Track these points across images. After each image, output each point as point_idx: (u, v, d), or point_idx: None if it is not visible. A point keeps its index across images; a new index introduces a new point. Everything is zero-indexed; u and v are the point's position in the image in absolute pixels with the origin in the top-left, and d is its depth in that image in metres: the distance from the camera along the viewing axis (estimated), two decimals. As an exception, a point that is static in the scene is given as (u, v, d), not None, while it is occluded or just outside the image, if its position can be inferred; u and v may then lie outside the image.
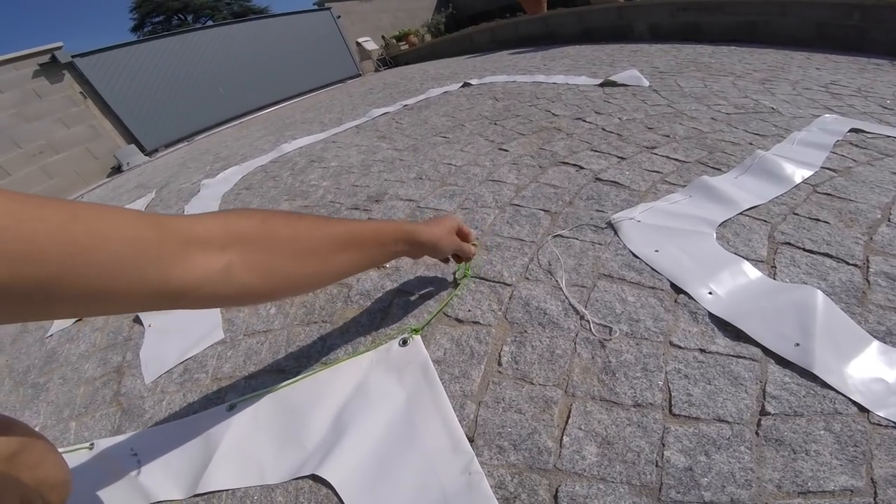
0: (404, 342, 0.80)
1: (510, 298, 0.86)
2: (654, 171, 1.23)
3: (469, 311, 0.85)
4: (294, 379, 0.80)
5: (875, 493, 0.48)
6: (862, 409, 0.56)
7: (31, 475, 0.43)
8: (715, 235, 0.92)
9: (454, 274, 0.95)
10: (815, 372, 0.60)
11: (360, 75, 8.10)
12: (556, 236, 1.02)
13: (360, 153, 2.08)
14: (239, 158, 2.86)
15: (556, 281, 0.87)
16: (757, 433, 0.55)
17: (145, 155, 5.51)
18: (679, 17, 4.15)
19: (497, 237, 1.07)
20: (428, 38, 8.44)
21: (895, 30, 3.00)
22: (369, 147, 2.15)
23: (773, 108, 1.65)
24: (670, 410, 0.60)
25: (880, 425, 0.54)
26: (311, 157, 2.27)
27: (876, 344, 0.64)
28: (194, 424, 0.78)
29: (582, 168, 1.32)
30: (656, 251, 0.89)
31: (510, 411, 0.65)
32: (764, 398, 0.59)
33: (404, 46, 8.02)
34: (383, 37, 8.46)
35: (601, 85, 2.32)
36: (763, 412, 0.58)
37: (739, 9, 3.80)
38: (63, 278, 0.33)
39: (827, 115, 1.50)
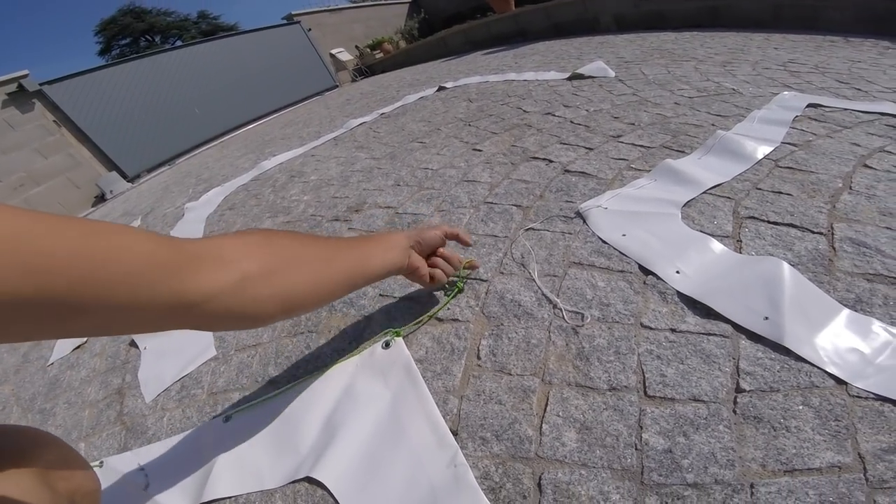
0: (387, 344, 0.82)
1: (486, 293, 0.88)
2: (620, 159, 1.26)
3: (448, 309, 0.87)
4: (285, 388, 0.82)
5: (864, 468, 0.47)
6: (839, 381, 0.56)
7: (65, 485, 0.45)
8: (680, 215, 0.93)
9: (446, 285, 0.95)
10: (787, 345, 0.60)
11: (337, 87, 8.10)
12: (527, 230, 1.04)
13: (339, 165, 2.10)
14: (220, 179, 2.86)
15: (529, 273, 0.89)
16: (734, 411, 0.55)
17: (128, 181, 5.46)
18: (642, 6, 4.21)
19: (473, 235, 1.08)
20: (402, 44, 8.45)
21: (846, 7, 3.10)
22: (347, 158, 2.16)
23: (733, 90, 1.69)
24: (645, 392, 0.61)
25: (860, 397, 0.53)
26: (292, 173, 2.28)
27: (846, 312, 0.63)
28: (195, 437, 0.81)
29: (551, 161, 1.35)
30: (624, 235, 0.91)
31: (491, 403, 0.66)
32: (738, 375, 0.59)
33: (379, 55, 8.03)
34: (357, 46, 8.46)
35: (569, 78, 2.35)
36: (738, 389, 0.58)
37: None
38: (84, 290, 0.34)
39: (786, 93, 1.53)
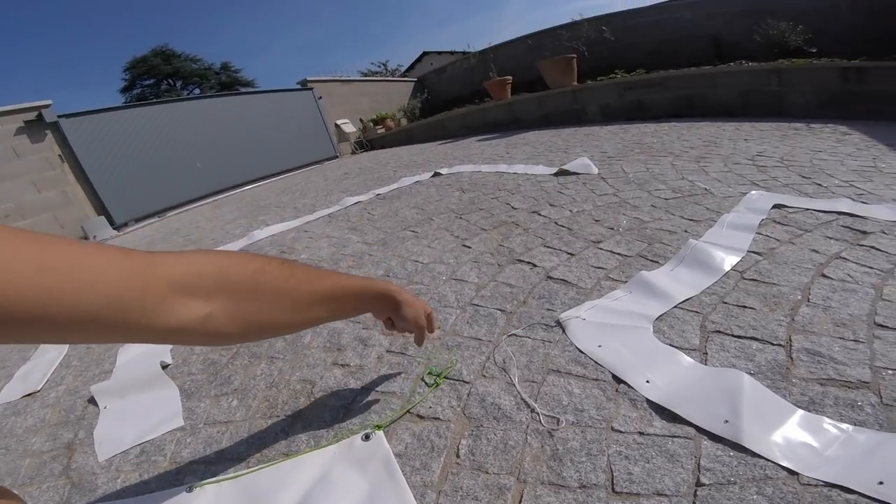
0: (367, 437, 0.83)
1: (468, 395, 0.91)
2: (599, 268, 1.34)
3: (430, 407, 0.90)
4: (257, 468, 0.80)
5: None
6: (791, 472, 0.61)
7: None
8: (652, 329, 1.00)
9: (423, 378, 0.99)
10: (744, 444, 0.66)
11: (336, 157, 8.27)
12: (510, 335, 1.09)
13: (331, 245, 2.13)
14: (209, 242, 2.83)
15: (510, 378, 0.94)
16: (694, 503, 0.60)
17: (113, 229, 5.32)
18: (626, 96, 4.58)
19: (458, 337, 1.13)
20: (404, 122, 8.78)
21: (808, 91, 3.42)
22: (340, 239, 2.19)
23: (706, 189, 1.84)
24: (613, 489, 0.65)
25: (810, 485, 0.59)
26: (282, 247, 2.29)
27: (800, 413, 0.70)
28: (153, 502, 0.79)
29: (535, 266, 1.42)
30: (599, 346, 0.97)
31: (468, 499, 0.69)
32: (699, 471, 0.64)
33: (381, 130, 8.28)
34: (361, 119, 8.69)
35: (556, 174, 2.50)
36: (699, 483, 0.62)
37: (677, 83, 4.23)
38: (34, 326, 0.34)
39: (753, 192, 1.68)
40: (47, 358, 1.54)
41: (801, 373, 0.79)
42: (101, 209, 5.46)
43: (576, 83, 5.26)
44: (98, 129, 5.54)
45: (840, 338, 0.87)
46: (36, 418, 1.19)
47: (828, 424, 0.67)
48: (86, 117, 5.45)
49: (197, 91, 25.58)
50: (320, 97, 8.23)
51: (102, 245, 0.43)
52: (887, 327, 0.88)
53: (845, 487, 0.57)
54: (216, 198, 6.38)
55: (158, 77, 25.59)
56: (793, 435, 0.67)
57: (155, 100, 6.44)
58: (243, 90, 8.15)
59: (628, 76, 4.89)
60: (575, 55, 5.38)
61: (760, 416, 0.71)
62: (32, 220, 4.85)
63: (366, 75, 11.55)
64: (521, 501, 0.66)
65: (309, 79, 8.26)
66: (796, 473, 0.61)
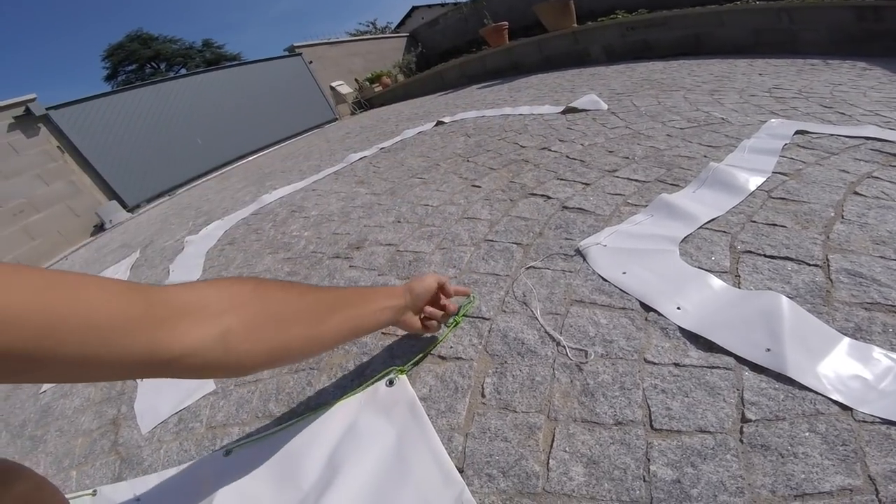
0: (391, 382, 0.82)
1: (489, 332, 0.89)
2: (616, 195, 1.28)
3: (451, 347, 0.88)
4: (287, 424, 0.82)
5: (876, 489, 0.48)
6: (844, 407, 0.56)
7: None
8: (678, 252, 0.95)
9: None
10: (790, 375, 0.62)
11: (336, 119, 8.16)
12: (528, 268, 1.05)
13: (340, 200, 2.12)
14: (221, 212, 2.86)
15: (532, 311, 0.90)
16: (741, 440, 0.56)
17: (127, 211, 5.39)
18: (629, 36, 4.38)
19: (474, 274, 1.10)
20: (400, 78, 8.59)
21: (821, 28, 3.26)
22: (348, 193, 2.19)
23: (723, 119, 1.74)
24: (651, 426, 0.61)
25: (866, 422, 0.54)
26: (292, 207, 2.30)
27: (847, 341, 0.65)
28: (194, 470, 0.81)
29: (549, 198, 1.37)
30: (624, 273, 0.92)
31: (496, 440, 0.67)
32: (743, 405, 0.60)
33: (378, 88, 8.12)
34: (356, 79, 8.55)
35: (563, 112, 2.42)
36: (744, 419, 0.59)
37: (681, 22, 4.03)
38: (42, 346, 0.33)
39: (773, 120, 1.58)
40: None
41: (842, 296, 0.74)
42: (112, 194, 5.51)
43: (575, 25, 5.03)
44: (91, 117, 5.52)
45: (881, 257, 0.80)
46: (81, 398, 1.23)
47: (878, 354, 0.62)
48: (75, 107, 5.40)
49: (183, 71, 25.15)
50: (310, 62, 8.09)
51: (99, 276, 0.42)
52: (931, 246, 0.81)
53: (906, 426, 0.52)
54: (222, 171, 6.46)
55: (140, 62, 25.26)
56: (841, 366, 0.62)
57: (139, 83, 6.33)
58: (229, 64, 8.00)
59: (630, 16, 4.65)
60: (572, -4, 5.12)
61: (804, 344, 0.66)
62: (47, 213, 4.89)
63: (354, 36, 11.18)
64: (553, 441, 0.64)
65: (296, 45, 8.11)
66: (849, 409, 0.56)
